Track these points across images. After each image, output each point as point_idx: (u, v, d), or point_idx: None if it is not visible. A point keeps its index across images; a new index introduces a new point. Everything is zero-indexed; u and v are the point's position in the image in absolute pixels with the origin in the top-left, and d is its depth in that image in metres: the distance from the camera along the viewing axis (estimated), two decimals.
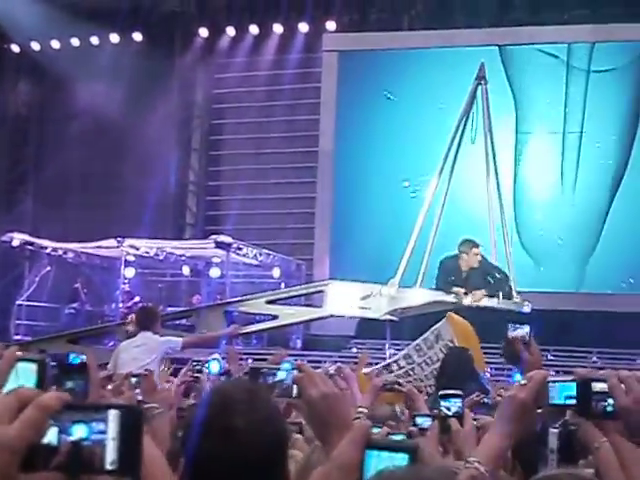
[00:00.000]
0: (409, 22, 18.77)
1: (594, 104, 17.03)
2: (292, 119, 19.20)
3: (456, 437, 3.01)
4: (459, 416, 3.09)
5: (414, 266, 11.96)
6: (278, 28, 19.25)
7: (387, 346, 12.48)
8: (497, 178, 12.59)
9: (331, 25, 18.88)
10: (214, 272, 18.19)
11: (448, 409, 3.13)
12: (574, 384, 2.31)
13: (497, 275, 11.33)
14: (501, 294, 11.27)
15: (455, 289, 11.07)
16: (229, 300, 13.84)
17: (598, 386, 2.22)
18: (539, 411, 2.48)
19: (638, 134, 16.95)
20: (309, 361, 12.05)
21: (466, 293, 11.03)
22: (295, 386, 2.40)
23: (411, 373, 9.10)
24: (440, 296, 11.16)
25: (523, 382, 2.37)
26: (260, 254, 17.65)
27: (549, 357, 12.95)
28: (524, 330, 3.44)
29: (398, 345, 11.29)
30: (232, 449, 2.05)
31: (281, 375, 2.68)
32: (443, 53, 17.60)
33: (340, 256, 17.13)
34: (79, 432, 1.21)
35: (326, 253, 17.87)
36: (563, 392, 2.34)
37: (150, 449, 3.05)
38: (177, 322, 13.70)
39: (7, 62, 20.90)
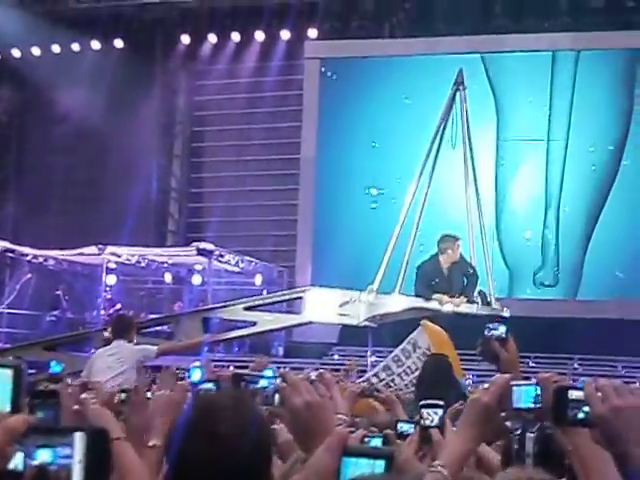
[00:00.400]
0: (391, 30, 18.80)
1: (579, 112, 17.13)
2: (274, 126, 19.21)
3: (437, 448, 2.95)
4: (440, 427, 3.07)
5: (393, 272, 11.95)
6: (260, 35, 19.25)
7: (369, 353, 12.42)
8: (476, 184, 12.61)
9: (313, 32, 18.90)
10: (196, 279, 18.15)
11: (429, 419, 3.11)
12: (536, 388, 2.33)
13: (470, 271, 11.35)
14: (480, 300, 11.29)
15: (437, 295, 11.07)
16: (207, 307, 13.81)
17: (574, 394, 2.22)
18: (502, 414, 2.47)
19: (627, 140, 17.00)
20: (291, 368, 12.02)
21: (452, 295, 11.01)
22: (277, 394, 2.39)
23: (391, 385, 9.12)
24: (419, 302, 11.12)
25: (486, 386, 2.35)
26: (242, 261, 17.63)
27: (530, 364, 12.95)
28: (501, 329, 3.44)
29: (380, 352, 11.29)
30: (217, 454, 2.05)
31: (263, 383, 2.68)
32: (425, 60, 17.64)
33: (322, 263, 17.12)
34: (44, 456, 1.20)
35: (308, 260, 17.86)
36: (527, 396, 2.36)
37: (130, 456, 3.01)
38: (158, 329, 13.66)
39: None
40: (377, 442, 3.34)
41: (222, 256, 17.09)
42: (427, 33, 17.92)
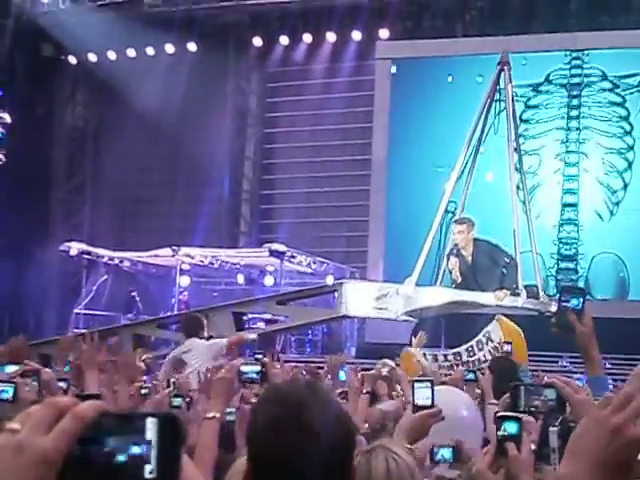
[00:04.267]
0: (463, 28, 18.66)
1: None
2: (345, 127, 19.20)
3: (512, 463, 2.79)
4: (517, 439, 2.86)
5: (433, 264, 11.43)
6: (331, 36, 19.27)
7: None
8: (521, 171, 11.97)
9: (384, 33, 18.84)
10: (268, 280, 18.24)
11: (505, 431, 2.89)
12: None
13: (507, 261, 10.64)
14: (525, 294, 10.67)
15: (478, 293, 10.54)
16: (238, 301, 13.61)
17: None
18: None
19: None
20: (362, 369, 11.98)
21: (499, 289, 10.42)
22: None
23: (455, 369, 9.10)
24: (460, 296, 10.54)
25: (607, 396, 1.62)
26: (314, 262, 17.65)
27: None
28: (577, 300, 3.29)
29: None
30: (306, 448, 2.02)
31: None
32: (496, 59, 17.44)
33: (394, 263, 17.04)
34: (116, 442, 1.20)
35: (380, 260, 17.81)
36: None
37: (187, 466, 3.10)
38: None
39: (64, 74, 21.22)
40: (446, 452, 3.27)
41: (294, 257, 17.13)
42: (500, 32, 17.73)
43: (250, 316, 13.05)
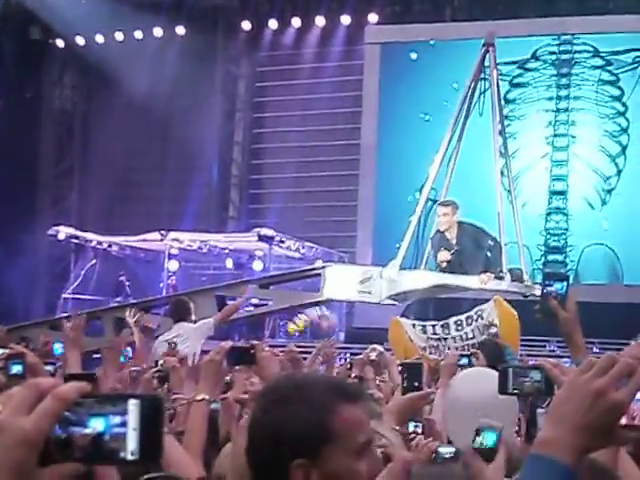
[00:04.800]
0: (452, 13, 18.64)
1: None
2: (334, 112, 19.16)
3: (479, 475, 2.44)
4: (493, 451, 2.49)
5: (419, 247, 11.20)
6: (320, 21, 19.22)
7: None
8: (506, 154, 11.70)
9: (373, 17, 18.81)
10: (257, 265, 18.23)
11: (481, 443, 2.52)
12: None
13: (491, 244, 10.34)
14: (509, 277, 10.40)
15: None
16: (222, 284, 13.53)
17: None
18: None
19: None
20: (351, 354, 11.99)
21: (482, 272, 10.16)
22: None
23: (442, 342, 9.11)
24: (444, 279, 10.26)
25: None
26: (302, 247, 17.65)
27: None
28: (559, 286, 3.24)
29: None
30: (272, 444, 2.00)
31: None
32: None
33: (383, 248, 17.05)
34: (97, 424, 1.20)
35: (369, 245, 17.83)
36: None
37: (176, 449, 3.11)
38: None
39: (52, 57, 21.11)
40: (447, 450, 3.22)
41: (283, 242, 17.13)
42: (489, 16, 17.70)
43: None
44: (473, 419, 2.56)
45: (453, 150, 11.75)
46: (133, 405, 1.20)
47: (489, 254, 10.28)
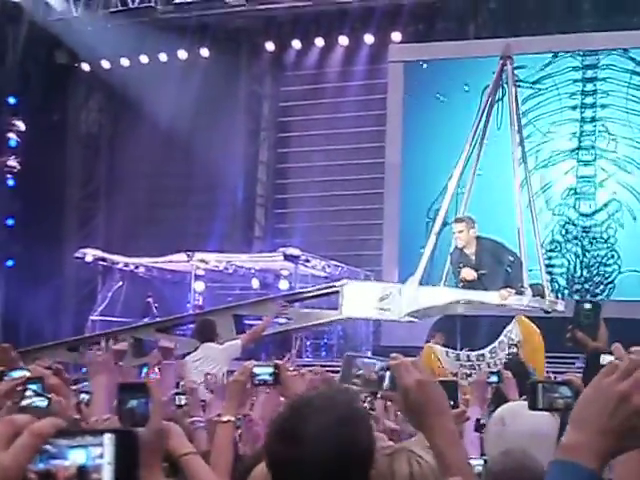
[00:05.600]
0: (475, 30, 18.63)
1: None
2: (358, 131, 19.20)
3: None
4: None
5: (438, 263, 11.09)
6: (343, 40, 19.29)
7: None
8: (525, 167, 11.59)
9: (396, 36, 18.84)
10: (283, 285, 18.24)
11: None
12: None
13: (511, 259, 10.21)
14: (530, 291, 10.23)
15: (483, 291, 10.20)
16: (238, 303, 13.57)
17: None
18: None
19: None
20: None
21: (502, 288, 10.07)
22: (387, 377, 2.32)
23: (475, 369, 9.07)
24: (464, 295, 10.18)
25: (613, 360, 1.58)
26: (328, 266, 17.65)
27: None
28: (591, 315, 3.21)
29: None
30: (300, 456, 2.01)
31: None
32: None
33: (409, 266, 16.97)
34: (77, 457, 1.21)
35: (394, 264, 17.78)
36: None
37: (204, 470, 3.10)
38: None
39: (78, 81, 21.31)
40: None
41: (308, 261, 17.14)
42: (512, 33, 17.66)
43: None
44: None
45: (473, 163, 11.71)
46: (108, 439, 1.22)
47: (509, 270, 10.20)
